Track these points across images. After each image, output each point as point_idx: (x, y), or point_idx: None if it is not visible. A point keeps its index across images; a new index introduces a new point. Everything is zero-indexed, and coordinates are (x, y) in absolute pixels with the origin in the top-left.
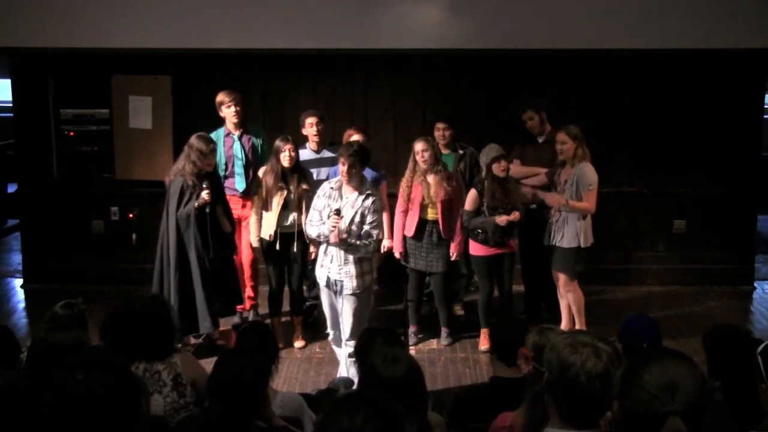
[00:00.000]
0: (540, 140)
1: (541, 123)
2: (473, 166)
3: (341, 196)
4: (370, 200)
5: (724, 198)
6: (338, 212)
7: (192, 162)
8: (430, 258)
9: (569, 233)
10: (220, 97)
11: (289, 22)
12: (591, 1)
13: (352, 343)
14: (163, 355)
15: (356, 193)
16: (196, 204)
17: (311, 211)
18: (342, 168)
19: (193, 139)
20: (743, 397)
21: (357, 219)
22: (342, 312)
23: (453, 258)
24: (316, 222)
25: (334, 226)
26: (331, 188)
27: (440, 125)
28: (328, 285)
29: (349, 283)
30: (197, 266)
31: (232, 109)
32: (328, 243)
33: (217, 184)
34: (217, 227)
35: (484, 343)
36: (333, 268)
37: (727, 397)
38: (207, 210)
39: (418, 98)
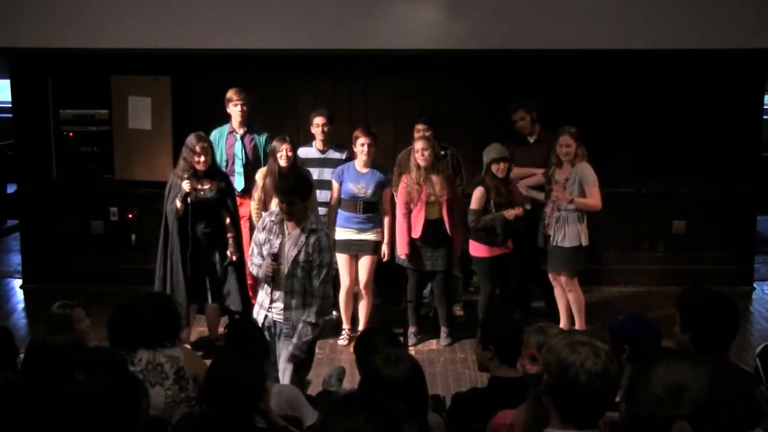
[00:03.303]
0: (531, 140)
1: (531, 123)
2: (455, 166)
3: (282, 232)
4: (314, 237)
5: (724, 198)
6: (275, 258)
7: (183, 158)
8: (435, 256)
9: (571, 233)
10: (230, 94)
11: (289, 22)
12: (591, 2)
13: None
14: (167, 341)
15: (298, 230)
16: (179, 197)
17: (252, 244)
18: (281, 206)
19: (188, 137)
20: (713, 348)
21: (301, 258)
22: (280, 358)
23: (459, 255)
24: (256, 258)
25: (270, 273)
26: (272, 221)
27: (420, 126)
28: (266, 327)
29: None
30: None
31: (239, 107)
32: (267, 284)
33: (228, 187)
34: (215, 226)
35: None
36: (274, 309)
37: (698, 349)
38: (189, 200)
39: (418, 98)
